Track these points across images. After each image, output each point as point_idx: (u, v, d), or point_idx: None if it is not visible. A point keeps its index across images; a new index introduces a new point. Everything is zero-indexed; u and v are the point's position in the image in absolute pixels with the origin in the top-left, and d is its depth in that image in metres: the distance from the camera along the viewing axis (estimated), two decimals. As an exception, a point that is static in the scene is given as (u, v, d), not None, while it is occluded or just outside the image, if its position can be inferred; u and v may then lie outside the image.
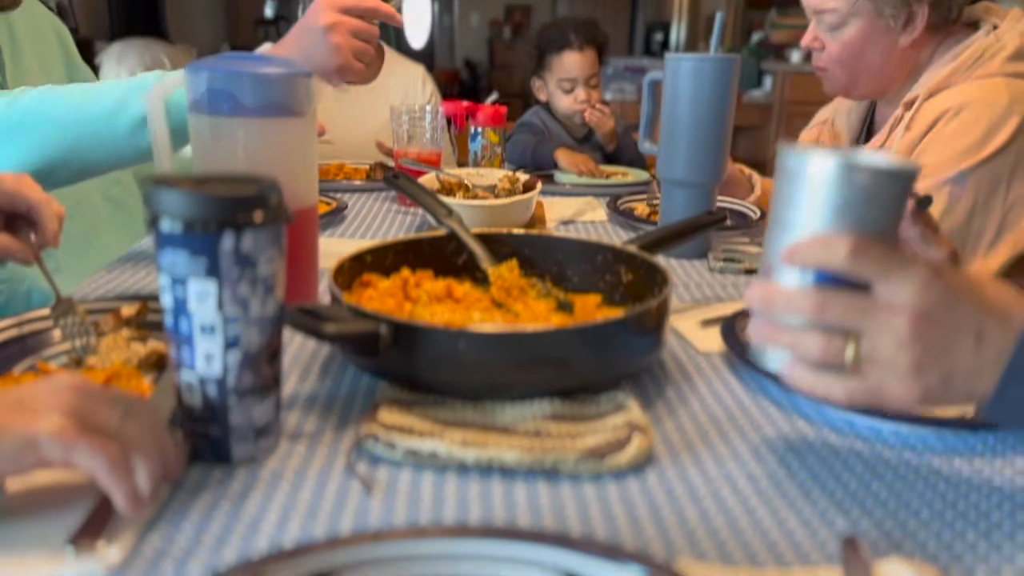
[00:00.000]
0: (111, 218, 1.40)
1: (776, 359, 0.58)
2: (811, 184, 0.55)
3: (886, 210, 0.55)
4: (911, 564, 0.48)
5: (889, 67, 1.25)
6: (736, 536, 0.52)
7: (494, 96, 2.30)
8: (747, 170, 1.50)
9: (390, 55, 2.08)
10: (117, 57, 2.72)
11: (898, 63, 1.25)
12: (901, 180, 0.55)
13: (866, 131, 1.39)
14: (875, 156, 0.57)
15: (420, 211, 1.39)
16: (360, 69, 1.12)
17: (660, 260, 0.82)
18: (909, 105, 1.23)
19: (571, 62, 1.93)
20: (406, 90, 2.06)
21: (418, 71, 2.11)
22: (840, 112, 1.41)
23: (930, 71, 1.24)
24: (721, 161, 1.13)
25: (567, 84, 1.94)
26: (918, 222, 0.79)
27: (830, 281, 0.54)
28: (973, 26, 1.25)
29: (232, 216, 0.53)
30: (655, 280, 0.80)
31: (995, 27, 1.22)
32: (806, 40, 1.29)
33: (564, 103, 1.95)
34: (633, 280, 0.85)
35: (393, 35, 2.13)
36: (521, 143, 1.82)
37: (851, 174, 0.54)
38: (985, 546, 0.51)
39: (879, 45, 1.23)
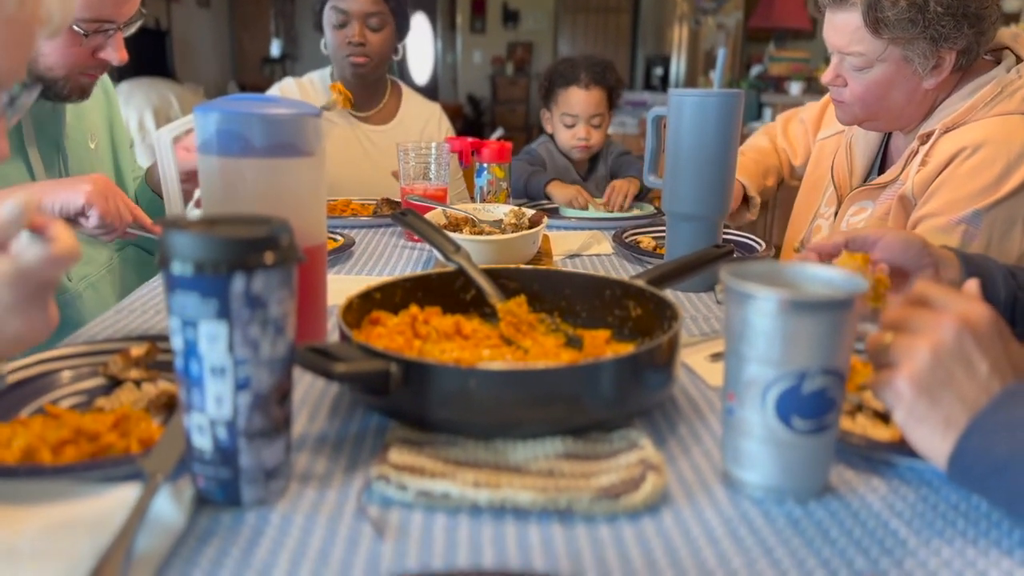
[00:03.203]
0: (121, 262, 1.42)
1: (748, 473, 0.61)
2: (758, 318, 0.57)
3: (837, 327, 0.57)
4: (935, 605, 0.47)
5: (911, 107, 1.24)
6: (755, 577, 0.51)
7: (499, 132, 2.32)
8: (742, 178, 1.50)
9: (407, 94, 2.10)
10: (125, 96, 2.76)
11: (919, 103, 1.24)
12: (844, 304, 0.57)
13: (880, 158, 1.38)
14: (820, 275, 0.61)
15: (427, 246, 1.39)
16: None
17: (669, 294, 0.82)
18: (925, 139, 1.22)
19: (575, 98, 1.94)
20: (423, 128, 2.07)
21: (435, 110, 2.12)
22: (858, 133, 1.40)
23: (947, 104, 1.23)
24: (726, 194, 1.13)
25: (569, 119, 1.95)
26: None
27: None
28: (995, 52, 1.24)
29: (243, 258, 0.53)
30: (664, 315, 0.79)
31: (1018, 60, 1.21)
32: (827, 77, 1.27)
33: (564, 137, 1.97)
34: (642, 315, 0.84)
35: (396, 69, 2.13)
36: (516, 170, 1.83)
37: (793, 309, 0.56)
38: (1010, 586, 0.50)
39: (904, 88, 1.21)
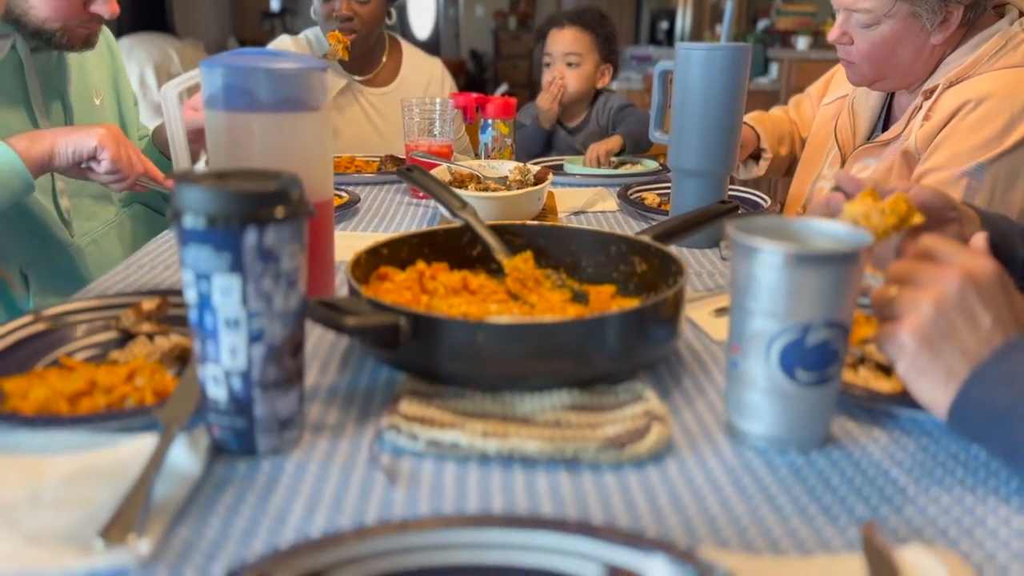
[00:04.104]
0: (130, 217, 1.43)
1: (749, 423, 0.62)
2: (764, 271, 0.58)
3: (841, 280, 0.57)
4: (932, 550, 0.49)
5: (918, 64, 1.23)
6: (757, 524, 0.53)
7: (504, 87, 2.31)
8: (757, 127, 1.49)
9: (408, 52, 2.06)
10: (126, 52, 2.73)
11: (927, 59, 1.23)
12: (849, 258, 0.57)
13: (884, 116, 1.38)
14: (825, 229, 0.62)
15: (432, 203, 1.39)
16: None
17: (674, 250, 0.82)
18: (929, 94, 1.21)
19: (553, 39, 1.98)
20: (427, 85, 2.05)
21: (436, 65, 2.09)
22: (860, 93, 1.39)
23: (952, 59, 1.22)
24: (732, 150, 1.13)
25: (547, 59, 1.99)
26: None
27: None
28: (998, 7, 1.23)
29: (255, 211, 0.53)
30: (670, 270, 0.80)
31: (1021, 13, 1.20)
32: (834, 35, 1.26)
33: (545, 80, 1.99)
34: (647, 270, 0.85)
35: (397, 25, 2.10)
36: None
37: (798, 262, 0.57)
38: (1006, 532, 0.52)
39: (911, 44, 1.20)
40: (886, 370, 0.71)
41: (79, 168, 1.09)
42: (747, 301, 0.59)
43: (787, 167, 1.59)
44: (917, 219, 0.69)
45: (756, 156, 1.52)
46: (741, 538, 0.51)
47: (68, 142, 1.07)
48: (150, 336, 0.76)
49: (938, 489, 0.57)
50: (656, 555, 0.44)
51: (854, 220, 0.68)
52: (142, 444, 0.58)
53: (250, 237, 0.53)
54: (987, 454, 0.61)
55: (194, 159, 1.07)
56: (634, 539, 0.46)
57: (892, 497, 0.56)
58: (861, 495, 0.56)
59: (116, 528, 0.49)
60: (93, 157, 1.07)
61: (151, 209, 1.48)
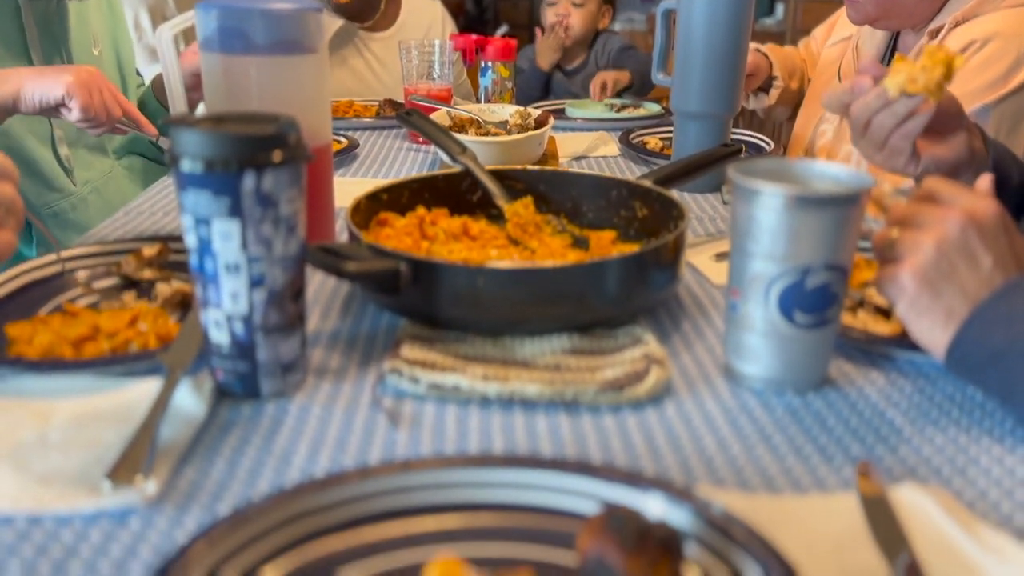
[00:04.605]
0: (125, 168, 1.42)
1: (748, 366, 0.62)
2: (764, 214, 0.57)
3: (842, 223, 0.57)
4: (925, 488, 0.49)
5: (923, 2, 1.21)
6: (753, 463, 0.53)
7: (504, 29, 2.27)
8: (771, 56, 1.47)
9: None
10: (119, -5, 2.68)
11: None
12: (850, 200, 0.57)
13: (888, 57, 1.35)
14: (826, 172, 0.61)
15: (432, 148, 1.38)
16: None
17: (675, 195, 0.82)
18: (934, 34, 1.19)
19: None
20: (428, 29, 2.00)
21: (437, 8, 2.04)
22: (864, 34, 1.37)
23: None
24: (736, 92, 1.11)
25: None
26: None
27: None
28: None
29: (253, 155, 0.53)
30: (671, 215, 0.80)
31: None
32: None
33: (547, 19, 1.96)
34: (648, 215, 0.85)
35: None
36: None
37: (799, 205, 0.56)
38: (999, 470, 0.53)
39: None
40: (885, 313, 0.72)
41: (52, 111, 1.06)
42: (747, 244, 0.59)
43: (796, 103, 1.57)
44: (959, 61, 0.66)
45: (766, 88, 1.50)
46: (737, 477, 0.52)
47: (35, 88, 1.03)
48: (151, 282, 0.76)
49: (933, 429, 0.57)
50: (653, 493, 0.45)
51: (901, 90, 0.66)
52: (147, 388, 0.59)
53: (248, 181, 0.53)
54: (983, 395, 0.61)
55: (192, 107, 1.05)
56: (632, 478, 0.47)
57: (887, 437, 0.56)
58: (857, 435, 0.57)
59: (123, 469, 0.50)
60: (62, 104, 1.04)
61: (149, 160, 1.46)
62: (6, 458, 0.52)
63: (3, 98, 1.03)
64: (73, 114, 1.04)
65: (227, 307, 0.56)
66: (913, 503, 0.48)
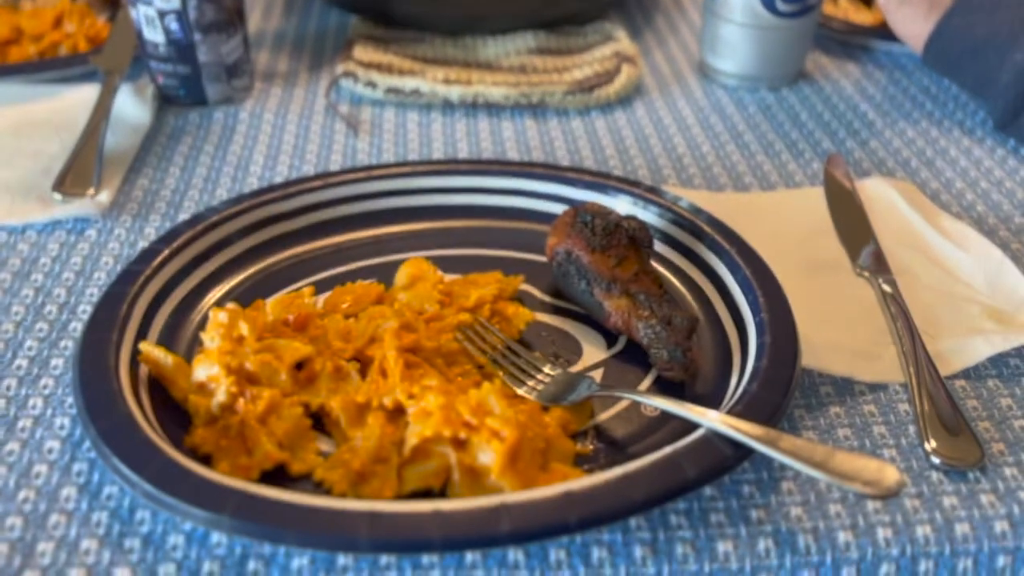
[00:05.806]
0: None
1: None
2: None
3: None
4: (890, 181, 0.49)
5: None
6: (722, 161, 0.53)
7: None
8: None
9: None
10: None
11: None
12: None
13: None
14: None
15: None
16: None
17: None
18: None
19: None
20: None
21: None
22: None
23: None
24: None
25: None
26: None
27: None
28: None
29: None
30: None
31: None
32: None
33: None
34: None
35: None
36: None
37: None
38: (966, 161, 0.53)
39: None
40: (867, 2, 0.68)
41: None
42: None
43: None
44: None
45: None
46: (705, 176, 0.51)
47: None
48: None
49: (905, 123, 0.56)
50: (620, 196, 0.45)
51: None
52: (84, 94, 0.55)
53: None
54: (958, 87, 0.60)
55: None
56: (599, 180, 0.46)
57: (859, 131, 0.56)
58: (828, 130, 0.56)
59: (72, 180, 0.47)
60: None
61: None
62: (-56, 172, 0.50)
63: None
64: None
65: (158, 2, 0.51)
66: (877, 194, 0.48)
